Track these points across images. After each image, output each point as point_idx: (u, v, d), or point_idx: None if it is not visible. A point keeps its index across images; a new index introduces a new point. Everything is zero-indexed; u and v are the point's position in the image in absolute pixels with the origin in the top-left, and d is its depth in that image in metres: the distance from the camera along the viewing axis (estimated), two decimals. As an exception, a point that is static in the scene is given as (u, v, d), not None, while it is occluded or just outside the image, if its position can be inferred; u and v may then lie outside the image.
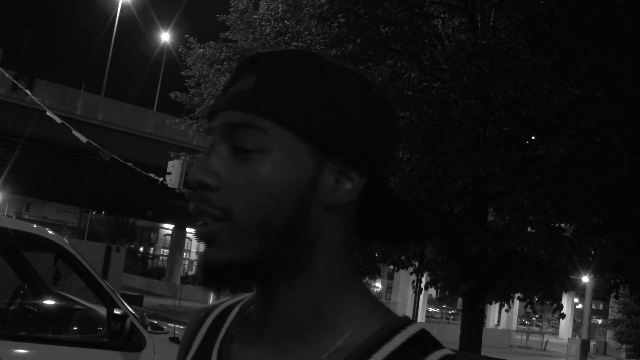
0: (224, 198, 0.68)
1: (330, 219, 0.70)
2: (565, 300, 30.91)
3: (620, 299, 18.11)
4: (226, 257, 0.68)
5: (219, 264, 0.68)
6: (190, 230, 54.14)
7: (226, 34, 14.80)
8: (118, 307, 3.81)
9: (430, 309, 50.88)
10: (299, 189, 0.68)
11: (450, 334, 28.66)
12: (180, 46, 16.05)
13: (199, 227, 0.70)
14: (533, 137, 10.07)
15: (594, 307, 43.88)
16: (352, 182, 0.70)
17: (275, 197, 0.67)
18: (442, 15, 10.90)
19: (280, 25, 13.43)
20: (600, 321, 50.57)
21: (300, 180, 0.68)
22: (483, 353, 11.20)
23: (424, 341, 0.71)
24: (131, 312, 3.88)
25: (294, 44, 13.40)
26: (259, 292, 0.74)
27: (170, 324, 5.68)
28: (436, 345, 0.71)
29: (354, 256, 0.75)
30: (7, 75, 17.05)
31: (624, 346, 27.86)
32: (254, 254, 0.68)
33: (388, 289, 49.62)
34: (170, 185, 15.46)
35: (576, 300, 50.30)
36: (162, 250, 68.58)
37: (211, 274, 0.69)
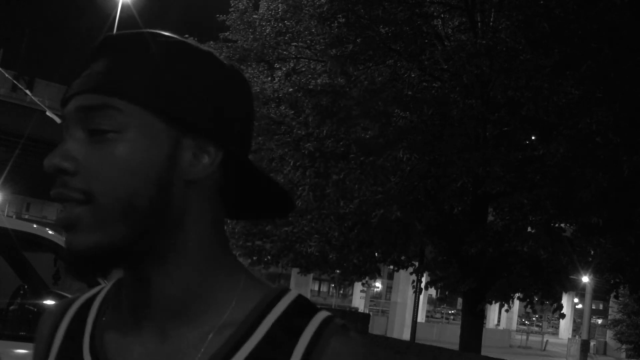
0: (83, 180, 0.67)
1: (192, 195, 0.70)
2: (565, 300, 30.92)
3: (620, 299, 18.10)
4: (90, 241, 0.67)
5: (84, 248, 0.67)
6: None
7: (226, 34, 14.81)
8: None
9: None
10: (158, 166, 0.68)
11: (450, 334, 28.66)
12: (180, 46, 16.04)
13: (59, 213, 0.69)
14: (533, 137, 10.07)
15: (594, 307, 43.88)
16: (209, 156, 0.70)
17: (135, 176, 0.67)
18: (442, 15, 10.90)
19: (280, 25, 13.44)
20: (600, 321, 50.55)
21: (159, 158, 0.68)
22: (483, 353, 11.20)
23: (304, 306, 0.73)
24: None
25: (294, 44, 13.41)
26: (130, 277, 0.72)
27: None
28: (315, 308, 0.73)
29: (223, 232, 0.75)
30: (7, 75, 17.06)
31: (624, 346, 27.85)
32: (119, 236, 0.67)
33: (388, 289, 49.59)
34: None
35: (576, 300, 50.30)
36: (162, 250, 68.57)
37: (77, 260, 0.68)
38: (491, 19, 10.22)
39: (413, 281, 12.47)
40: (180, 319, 0.71)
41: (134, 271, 0.72)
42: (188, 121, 0.69)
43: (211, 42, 15.17)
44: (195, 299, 0.72)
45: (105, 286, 0.82)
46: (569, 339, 35.09)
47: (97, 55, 0.72)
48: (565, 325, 50.33)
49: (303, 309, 0.73)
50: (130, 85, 0.68)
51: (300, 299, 0.74)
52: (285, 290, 0.75)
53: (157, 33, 0.73)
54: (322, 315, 0.72)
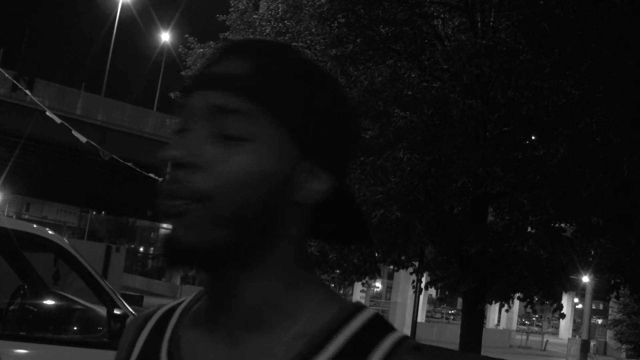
0: (205, 180, 0.67)
1: (295, 215, 0.71)
2: (565, 300, 30.90)
3: (620, 299, 18.10)
4: (193, 238, 0.67)
5: (185, 243, 0.67)
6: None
7: (226, 34, 14.80)
8: (118, 307, 3.81)
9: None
10: (275, 182, 0.68)
11: (450, 334, 28.66)
12: (180, 46, 16.06)
13: (170, 204, 0.68)
14: (533, 137, 10.07)
15: (594, 307, 43.88)
16: (320, 183, 0.71)
17: (252, 187, 0.67)
18: (442, 15, 10.90)
19: (280, 25, 13.43)
20: (600, 321, 50.55)
21: (278, 175, 0.68)
22: (483, 353, 11.20)
23: (380, 324, 0.73)
24: (131, 312, 3.88)
25: (294, 44, 13.40)
26: (213, 281, 0.73)
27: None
28: (391, 328, 0.73)
29: (307, 253, 0.77)
30: (7, 75, 17.06)
31: (624, 346, 27.85)
32: (220, 240, 0.67)
33: (388, 289, 49.61)
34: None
35: (576, 300, 50.29)
36: (162, 250, 68.50)
37: (173, 251, 0.68)
38: (491, 19, 10.22)
39: (413, 281, 12.47)
40: (253, 327, 0.72)
41: (219, 276, 0.72)
42: (310, 145, 0.70)
43: (211, 42, 15.18)
44: (272, 310, 0.72)
45: (187, 298, 0.83)
46: (569, 339, 35.10)
47: (232, 54, 0.71)
48: (565, 325, 50.33)
49: (378, 327, 0.73)
50: (267, 96, 0.68)
51: (376, 317, 0.74)
52: (362, 307, 0.75)
53: (294, 49, 0.74)
54: (396, 335, 0.72)
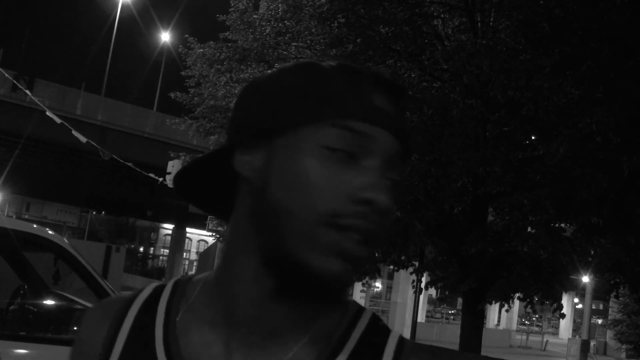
0: (383, 223, 0.68)
1: None
2: (565, 300, 30.90)
3: (620, 299, 18.10)
4: (369, 252, 0.69)
5: (368, 258, 0.69)
6: (190, 230, 54.15)
7: (226, 34, 14.80)
8: (118, 307, 3.80)
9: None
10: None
11: (450, 334, 28.66)
12: (180, 46, 16.06)
13: (353, 246, 0.67)
14: (533, 137, 10.07)
15: (594, 307, 43.88)
16: None
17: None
18: (442, 15, 10.90)
19: (280, 25, 13.43)
20: (600, 321, 50.55)
21: None
22: (483, 353, 11.20)
23: (380, 325, 0.75)
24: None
25: (294, 44, 13.40)
26: (226, 281, 0.73)
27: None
28: (387, 327, 0.76)
29: None
30: (7, 75, 17.06)
31: (624, 346, 27.85)
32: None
33: (388, 289, 49.60)
34: (170, 185, 15.47)
35: (576, 300, 50.30)
36: (162, 250, 68.63)
37: (362, 268, 0.71)
38: (491, 19, 10.22)
39: (413, 281, 12.46)
40: (267, 332, 0.71)
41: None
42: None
43: (211, 42, 15.17)
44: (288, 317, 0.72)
45: (154, 287, 0.81)
46: (569, 339, 35.10)
47: (393, 97, 0.71)
48: (565, 325, 50.33)
49: (380, 327, 0.75)
50: (413, 141, 0.74)
51: (375, 317, 0.77)
52: (362, 308, 0.77)
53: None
54: (396, 334, 0.75)
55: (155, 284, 0.82)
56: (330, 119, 0.67)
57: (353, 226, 0.65)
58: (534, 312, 48.30)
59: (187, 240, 55.77)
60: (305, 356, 0.70)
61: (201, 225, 27.43)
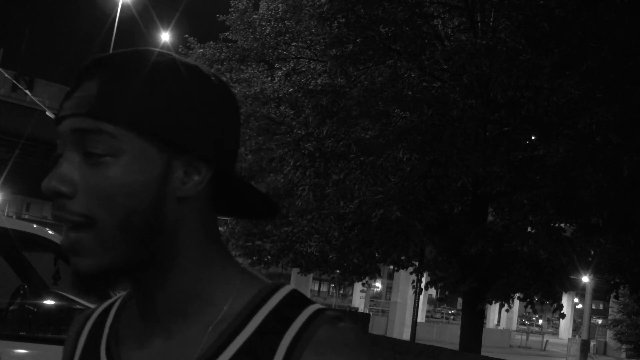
0: (82, 204, 0.70)
1: (185, 209, 0.74)
2: (565, 300, 30.90)
3: (620, 299, 18.10)
4: (95, 264, 0.70)
5: (90, 271, 0.71)
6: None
7: (226, 34, 14.81)
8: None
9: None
10: (152, 187, 0.71)
11: (450, 334, 28.66)
12: (180, 46, 16.08)
13: (63, 235, 0.71)
14: (533, 137, 10.07)
15: (594, 307, 43.88)
16: (200, 174, 0.74)
17: (130, 198, 0.70)
18: (442, 15, 10.89)
19: (280, 25, 13.44)
20: (600, 321, 50.54)
21: (152, 179, 0.71)
22: (483, 353, 11.20)
23: (297, 299, 0.76)
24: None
25: (294, 44, 13.41)
26: (135, 287, 0.77)
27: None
28: (309, 301, 0.76)
29: (216, 235, 0.79)
30: (7, 75, 17.06)
31: (624, 346, 27.83)
32: (121, 255, 0.71)
33: (388, 289, 49.57)
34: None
35: (576, 300, 50.31)
36: (162, 250, 68.60)
37: (84, 282, 0.71)
38: (491, 19, 10.21)
39: (413, 281, 12.47)
40: (182, 318, 0.76)
41: (138, 283, 0.76)
42: (178, 143, 0.72)
43: (211, 42, 15.18)
44: (195, 300, 0.76)
45: (123, 294, 0.88)
46: (569, 339, 35.10)
47: (88, 75, 0.73)
48: (565, 325, 50.35)
49: (296, 301, 0.76)
50: (121, 110, 0.70)
51: (294, 292, 0.78)
52: (281, 285, 0.78)
53: (145, 51, 0.75)
54: (314, 307, 0.75)
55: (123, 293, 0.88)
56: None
57: (57, 219, 0.71)
58: (534, 312, 48.29)
59: (187, 240, 55.70)
60: (212, 336, 0.74)
61: (201, 225, 27.41)
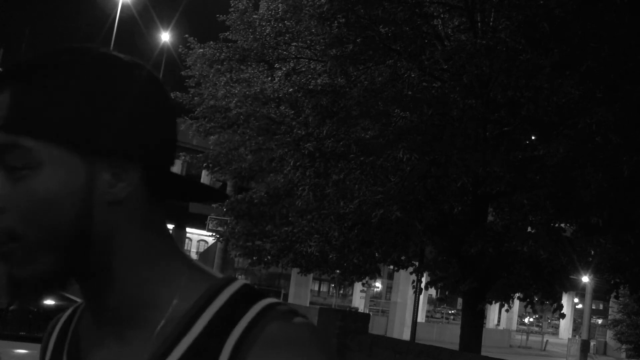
0: (5, 220, 0.68)
1: (119, 213, 0.71)
2: (565, 300, 30.89)
3: (620, 299, 18.10)
4: (26, 275, 0.68)
5: (22, 282, 0.69)
6: (190, 230, 54.15)
7: (226, 34, 14.81)
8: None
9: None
10: (77, 195, 0.68)
11: (450, 334, 28.66)
12: (180, 46, 16.08)
13: None
14: (533, 137, 10.07)
15: (594, 307, 43.88)
16: (127, 176, 0.71)
17: (55, 209, 0.67)
18: (442, 15, 10.89)
19: (280, 25, 13.43)
20: (600, 321, 50.54)
21: (77, 188, 0.68)
22: (483, 353, 11.19)
23: (248, 294, 0.73)
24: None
25: (294, 44, 13.40)
26: (83, 294, 0.76)
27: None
28: (260, 295, 0.73)
29: (161, 235, 0.76)
30: (7, 75, 17.07)
31: (624, 346, 27.83)
32: (51, 264, 0.69)
33: (388, 289, 49.58)
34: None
35: (576, 300, 50.31)
36: (162, 250, 68.56)
37: (17, 293, 0.70)
38: (491, 19, 10.21)
39: (413, 281, 12.46)
40: (131, 323, 0.74)
41: (82, 288, 0.75)
42: (98, 147, 0.69)
43: (211, 42, 15.17)
44: (140, 304, 0.73)
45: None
46: (569, 339, 35.10)
47: (1, 87, 0.70)
48: (565, 325, 50.35)
49: (246, 297, 0.73)
50: (34, 122, 0.68)
51: (245, 287, 0.74)
52: (231, 280, 0.75)
53: (56, 52, 0.72)
54: (265, 302, 0.72)
55: None
56: None
57: None
58: (534, 312, 48.29)
59: (187, 240, 55.73)
60: (158, 340, 0.71)
61: (201, 225, 27.40)
